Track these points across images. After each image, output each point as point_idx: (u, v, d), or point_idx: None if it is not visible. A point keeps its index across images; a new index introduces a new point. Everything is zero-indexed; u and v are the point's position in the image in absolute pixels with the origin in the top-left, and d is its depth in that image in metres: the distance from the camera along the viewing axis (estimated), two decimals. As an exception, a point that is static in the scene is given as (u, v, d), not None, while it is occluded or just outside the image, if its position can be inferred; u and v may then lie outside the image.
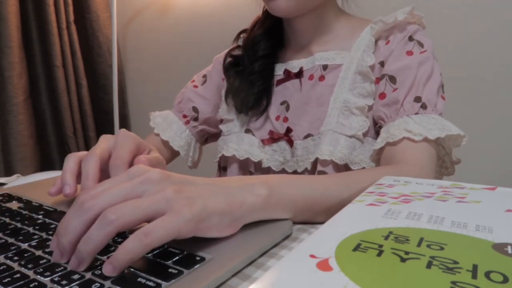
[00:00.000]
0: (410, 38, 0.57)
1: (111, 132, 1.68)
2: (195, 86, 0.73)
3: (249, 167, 0.64)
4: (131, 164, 0.41)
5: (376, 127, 0.57)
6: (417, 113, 0.52)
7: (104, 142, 0.42)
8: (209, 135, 0.76)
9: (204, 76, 0.74)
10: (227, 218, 0.30)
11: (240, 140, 0.64)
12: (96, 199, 0.27)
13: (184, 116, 0.72)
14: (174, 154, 0.71)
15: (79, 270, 0.27)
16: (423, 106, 0.52)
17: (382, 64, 0.58)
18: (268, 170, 0.62)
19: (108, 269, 0.25)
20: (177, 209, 0.27)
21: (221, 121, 0.69)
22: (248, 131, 0.65)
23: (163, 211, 0.27)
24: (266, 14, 0.67)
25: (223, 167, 0.69)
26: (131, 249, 0.25)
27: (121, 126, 1.70)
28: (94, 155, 0.39)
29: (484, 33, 1.04)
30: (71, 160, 0.41)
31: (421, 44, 0.56)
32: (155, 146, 0.69)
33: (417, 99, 0.52)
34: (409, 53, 0.56)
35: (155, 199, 0.27)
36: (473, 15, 1.05)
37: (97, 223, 0.26)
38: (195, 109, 0.72)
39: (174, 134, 0.70)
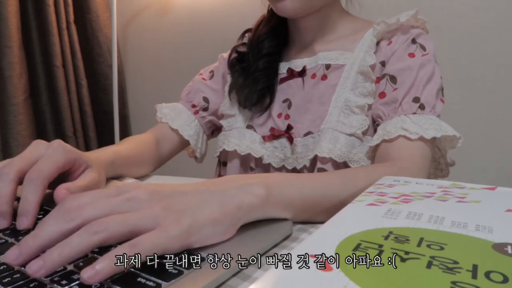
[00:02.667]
0: (413, 41, 0.57)
1: (111, 132, 1.68)
2: (204, 79, 0.73)
3: (250, 163, 0.65)
4: (57, 181, 0.38)
5: (374, 125, 0.57)
6: (414, 113, 0.52)
7: (33, 150, 0.39)
8: (215, 128, 0.76)
9: (211, 71, 0.74)
10: (222, 227, 0.29)
11: (241, 136, 0.65)
12: (81, 211, 0.27)
13: (193, 106, 0.72)
14: (183, 143, 0.71)
15: (37, 275, 0.24)
16: (421, 107, 0.52)
17: (383, 64, 0.58)
18: (268, 167, 0.63)
19: (89, 273, 0.23)
20: (164, 226, 0.26)
21: (222, 116, 0.70)
22: (250, 127, 0.66)
23: (151, 228, 0.26)
24: (271, 13, 0.67)
25: (223, 162, 0.69)
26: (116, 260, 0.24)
27: (121, 126, 1.70)
28: (8, 176, 0.36)
29: (483, 33, 1.04)
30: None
31: (423, 47, 0.57)
32: (164, 134, 0.69)
33: (416, 100, 0.53)
34: (411, 55, 0.56)
35: (143, 215, 0.27)
36: (473, 15, 1.05)
37: (81, 232, 0.25)
38: (205, 99, 0.72)
39: (184, 123, 0.70)
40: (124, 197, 0.28)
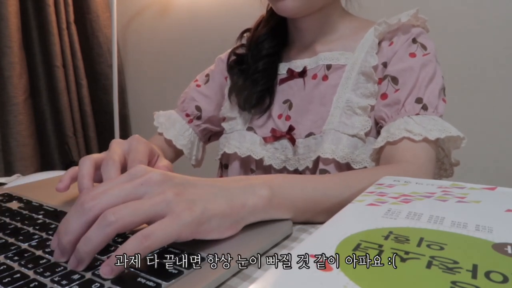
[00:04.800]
0: (414, 41, 0.57)
1: (111, 132, 1.68)
2: (198, 86, 0.74)
3: (250, 165, 0.65)
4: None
5: (377, 127, 0.57)
6: (417, 114, 0.52)
7: (118, 146, 0.42)
8: (212, 134, 0.76)
9: (207, 75, 0.74)
10: (228, 221, 0.30)
11: (242, 138, 0.65)
12: (96, 200, 0.27)
13: (187, 115, 0.72)
14: (177, 153, 0.72)
15: (78, 269, 0.27)
16: (424, 108, 0.52)
17: (385, 65, 0.58)
18: (269, 168, 0.63)
19: (106, 270, 0.25)
20: (177, 212, 0.27)
21: (224, 119, 0.69)
22: (250, 129, 0.65)
23: (163, 214, 0.27)
24: (270, 13, 0.67)
25: (224, 165, 0.69)
26: (130, 252, 0.25)
27: (121, 126, 1.70)
28: (114, 162, 0.39)
29: (484, 33, 1.04)
30: (88, 164, 0.40)
31: (424, 47, 0.56)
32: (159, 145, 0.69)
33: (419, 100, 0.53)
34: (412, 55, 0.56)
35: (155, 202, 0.27)
36: (473, 16, 1.05)
37: (96, 224, 0.26)
38: (198, 108, 0.72)
39: (177, 133, 0.70)
40: (138, 181, 0.29)
